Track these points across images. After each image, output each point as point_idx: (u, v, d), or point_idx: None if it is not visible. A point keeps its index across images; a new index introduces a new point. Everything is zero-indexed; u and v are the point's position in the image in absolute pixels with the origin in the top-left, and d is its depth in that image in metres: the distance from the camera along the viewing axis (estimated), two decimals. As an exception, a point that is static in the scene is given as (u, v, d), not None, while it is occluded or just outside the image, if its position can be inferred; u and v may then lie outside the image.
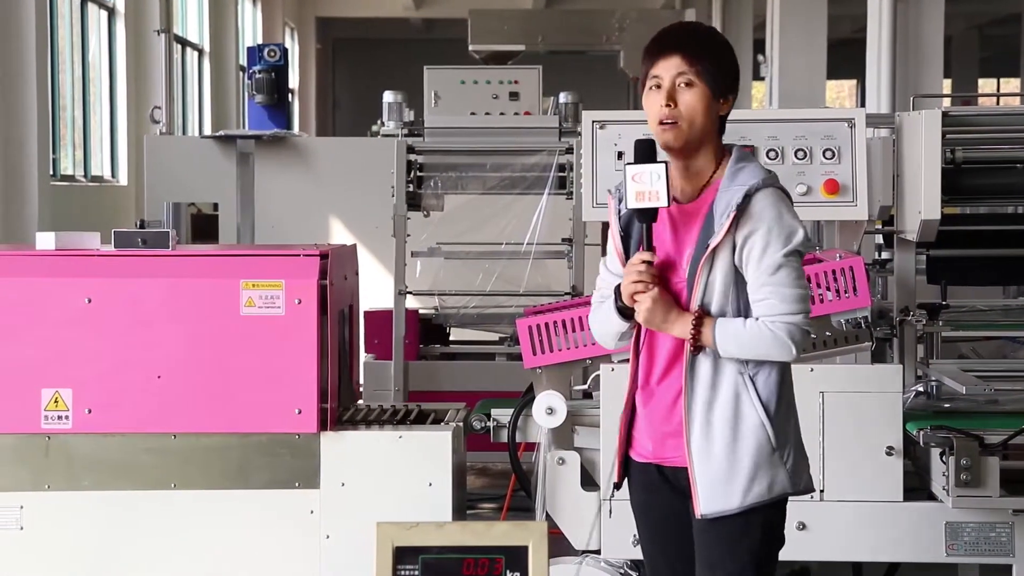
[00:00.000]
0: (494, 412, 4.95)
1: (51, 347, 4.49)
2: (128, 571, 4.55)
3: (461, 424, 4.79)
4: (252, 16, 25.12)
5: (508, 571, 2.79)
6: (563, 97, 9.38)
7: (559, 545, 4.57)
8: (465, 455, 4.88)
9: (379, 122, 9.52)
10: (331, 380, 4.62)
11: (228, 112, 21.83)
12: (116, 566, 4.54)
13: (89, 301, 4.50)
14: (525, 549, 2.61)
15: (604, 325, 3.62)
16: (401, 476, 4.56)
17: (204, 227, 10.07)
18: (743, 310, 3.45)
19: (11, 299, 4.49)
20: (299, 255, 4.64)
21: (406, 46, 29.08)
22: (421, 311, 8.19)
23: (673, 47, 3.48)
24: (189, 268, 4.62)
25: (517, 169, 7.97)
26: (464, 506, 4.84)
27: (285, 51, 11.12)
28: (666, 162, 3.46)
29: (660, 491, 3.58)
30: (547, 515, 4.62)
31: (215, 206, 10.38)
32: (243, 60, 21.13)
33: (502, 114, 9.60)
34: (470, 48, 13.60)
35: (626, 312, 3.52)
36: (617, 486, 3.68)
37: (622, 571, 4.61)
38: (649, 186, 3.42)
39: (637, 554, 4.43)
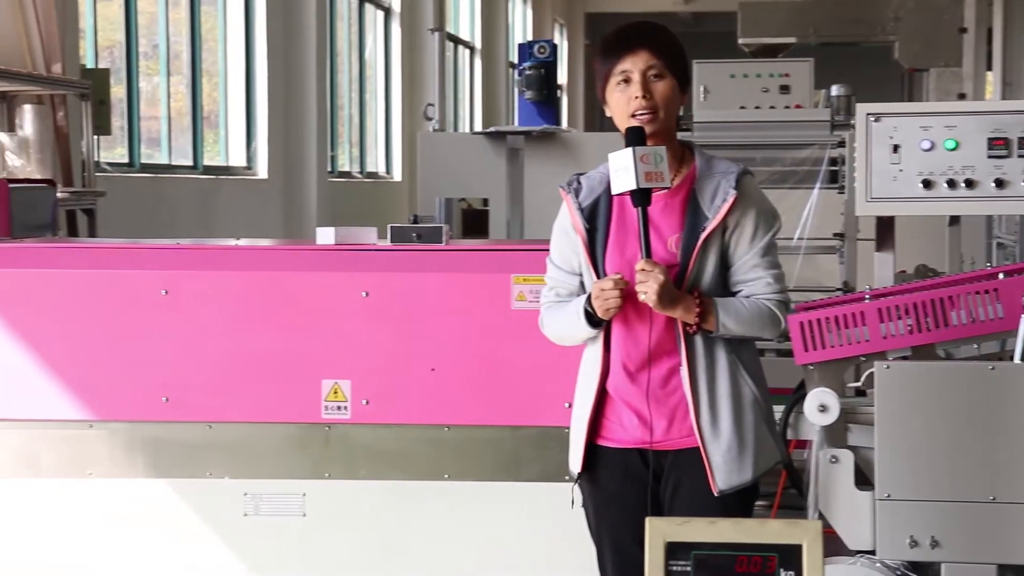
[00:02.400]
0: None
1: (330, 339, 4.62)
2: (403, 559, 4.65)
3: (731, 420, 4.74)
4: (522, 13, 25.39)
5: (782, 570, 2.75)
6: (835, 90, 9.22)
7: (832, 545, 4.48)
8: (735, 452, 4.83)
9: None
10: (601, 374, 4.63)
11: (498, 108, 22.13)
12: (392, 554, 4.65)
13: (366, 295, 4.61)
14: (799, 548, 2.57)
15: (567, 330, 3.72)
16: (671, 471, 4.54)
17: (474, 222, 10.23)
18: (727, 290, 3.60)
19: (293, 292, 4.63)
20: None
21: (674, 40, 28.91)
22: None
23: (640, 42, 3.66)
24: (461, 262, 4.70)
25: (787, 163, 7.87)
26: (734, 503, 4.79)
27: (554, 47, 11.20)
28: (634, 148, 3.53)
29: (642, 477, 3.64)
30: (819, 514, 4.55)
31: (485, 201, 10.53)
32: (513, 57, 21.39)
33: (772, 107, 9.49)
34: (739, 41, 13.48)
35: (595, 320, 3.60)
36: (581, 473, 3.75)
37: (898, 572, 4.51)
38: (655, 167, 3.52)
39: (914, 555, 4.32)
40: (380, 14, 17.12)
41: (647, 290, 3.50)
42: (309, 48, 13.37)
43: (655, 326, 3.60)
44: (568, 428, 4.55)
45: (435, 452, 4.62)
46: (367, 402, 4.61)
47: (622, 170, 3.53)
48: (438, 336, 4.60)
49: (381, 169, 17.18)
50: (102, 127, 9.30)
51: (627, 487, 3.69)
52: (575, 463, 3.79)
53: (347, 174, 15.46)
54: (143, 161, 11.15)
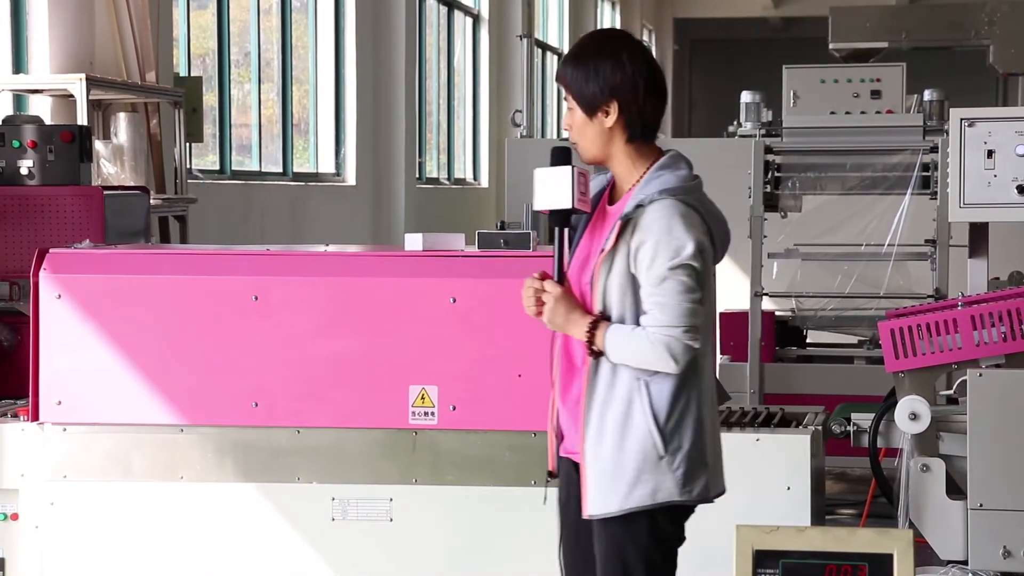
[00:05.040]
0: (854, 416, 4.86)
1: (418, 345, 4.63)
2: (488, 565, 4.66)
3: (820, 428, 4.71)
4: (611, 19, 25.38)
5: (871, 579, 2.73)
6: (928, 94, 9.11)
7: (923, 554, 4.44)
8: (824, 459, 4.80)
9: (736, 123, 9.46)
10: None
11: (586, 115, 22.03)
12: (478, 559, 4.65)
13: (454, 301, 4.62)
14: (890, 557, 2.54)
15: None
16: (759, 479, 4.52)
17: (562, 228, 10.21)
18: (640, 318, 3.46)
19: (382, 298, 4.66)
20: (657, 256, 4.64)
21: (764, 46, 28.80)
22: (777, 313, 8.11)
23: (560, 71, 3.57)
24: (550, 268, 4.69)
25: (878, 169, 7.80)
26: (823, 511, 4.76)
27: (643, 53, 11.16)
28: (574, 167, 3.47)
29: (576, 487, 3.59)
30: (910, 523, 4.50)
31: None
32: (601, 63, 21.33)
33: (863, 113, 9.40)
34: (830, 46, 13.35)
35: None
36: (551, 475, 3.74)
37: (990, 584, 4.45)
38: (555, 188, 3.47)
39: (1007, 566, 4.27)
40: (469, 20, 17.18)
41: (542, 309, 3.53)
42: (398, 55, 13.45)
43: (577, 340, 3.57)
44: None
45: (522, 458, 4.62)
46: (454, 408, 4.62)
47: (556, 187, 3.50)
48: (525, 342, 4.60)
49: (468, 175, 17.23)
50: (194, 134, 9.41)
51: (571, 495, 3.68)
52: (550, 463, 3.78)
53: (435, 180, 15.53)
54: (234, 168, 11.27)
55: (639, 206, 3.44)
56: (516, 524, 4.63)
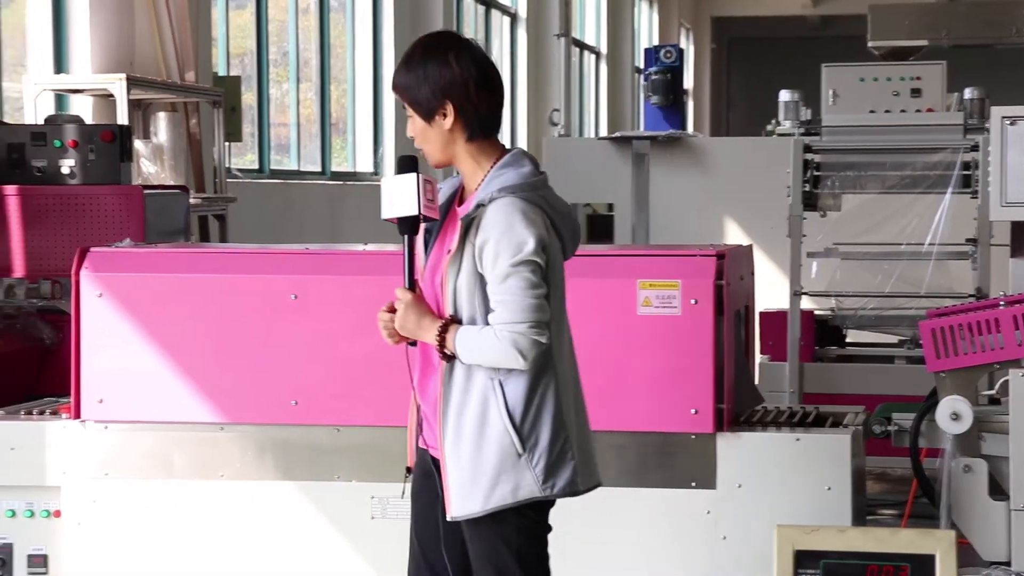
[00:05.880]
0: (895, 416, 4.84)
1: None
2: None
3: (860, 427, 4.69)
4: (648, 18, 25.33)
5: (913, 580, 2.71)
6: (968, 92, 9.06)
7: (965, 555, 4.41)
8: (864, 459, 4.78)
9: (774, 121, 9.43)
10: (727, 381, 4.60)
11: (623, 113, 22.09)
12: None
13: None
14: (932, 558, 2.52)
15: None
16: (799, 479, 4.50)
17: (600, 227, 10.23)
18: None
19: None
20: (696, 255, 4.64)
21: (802, 44, 28.69)
22: (817, 312, 8.07)
23: (394, 82, 3.59)
24: (587, 268, 4.69)
25: (918, 167, 7.75)
26: (864, 511, 4.74)
27: (681, 52, 11.15)
28: (419, 173, 3.51)
29: (433, 478, 3.62)
30: (952, 524, 4.47)
31: (610, 206, 10.51)
32: (639, 62, 21.35)
33: (903, 111, 9.36)
34: (869, 44, 13.31)
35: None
36: (409, 470, 3.75)
37: (1033, 585, 4.42)
38: (401, 195, 3.51)
39: (1048, 569, 4.23)
40: (506, 20, 17.19)
41: (394, 318, 3.55)
42: (436, 54, 13.44)
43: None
44: (693, 434, 4.54)
45: (560, 457, 4.61)
46: (493, 407, 4.62)
47: (401, 195, 3.52)
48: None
49: (507, 174, 17.22)
50: (233, 134, 9.45)
51: (425, 484, 3.69)
52: (409, 458, 3.79)
53: (473, 179, 15.54)
54: (272, 167, 11.31)
55: (480, 205, 3.48)
56: (553, 523, 4.62)
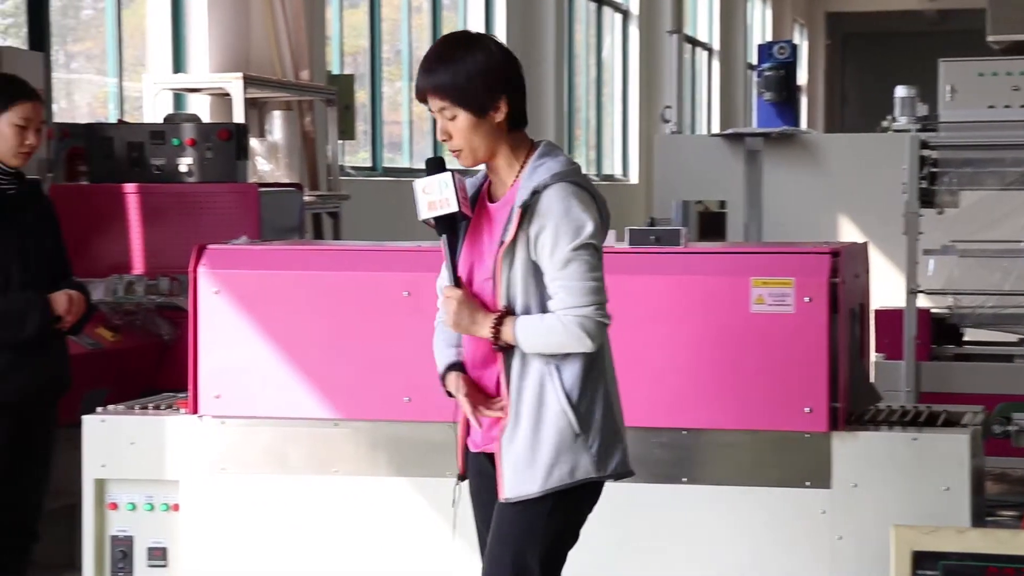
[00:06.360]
0: (1015, 416, 4.76)
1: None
2: (637, 562, 4.64)
3: (979, 427, 4.61)
4: (761, 13, 25.14)
5: (1035, 583, 2.66)
6: (1091, 87, 8.88)
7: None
8: (983, 459, 4.70)
9: (889, 117, 9.31)
10: (842, 379, 4.55)
11: (736, 110, 21.95)
12: (627, 556, 4.64)
13: (605, 297, 4.61)
14: (1054, 561, 2.49)
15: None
16: (916, 479, 4.44)
17: (711, 224, 10.17)
18: (547, 305, 3.49)
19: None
20: (810, 253, 4.60)
21: (918, 39, 28.31)
22: (933, 310, 7.95)
23: (421, 89, 3.54)
24: (700, 265, 4.67)
25: (1039, 164, 7.61)
26: (983, 512, 4.66)
27: (795, 48, 11.07)
28: (453, 170, 3.51)
29: (491, 478, 3.61)
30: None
31: (722, 204, 10.45)
32: (752, 58, 21.18)
33: (1023, 106, 9.19)
34: (988, 39, 13.08)
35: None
36: (461, 477, 3.76)
37: None
38: (439, 195, 3.52)
39: None
40: (618, 17, 17.14)
41: (447, 315, 3.57)
42: (547, 51, 13.47)
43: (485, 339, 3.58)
44: (807, 433, 4.50)
45: (672, 455, 4.61)
46: (605, 404, 4.61)
47: (439, 195, 3.54)
48: (675, 339, 4.58)
49: (618, 172, 17.19)
50: (347, 132, 9.53)
51: (483, 485, 3.69)
52: (459, 465, 3.79)
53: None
54: (385, 165, 11.38)
55: (535, 192, 3.46)
56: (665, 521, 4.61)
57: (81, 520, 4.94)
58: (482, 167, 3.67)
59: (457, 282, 3.58)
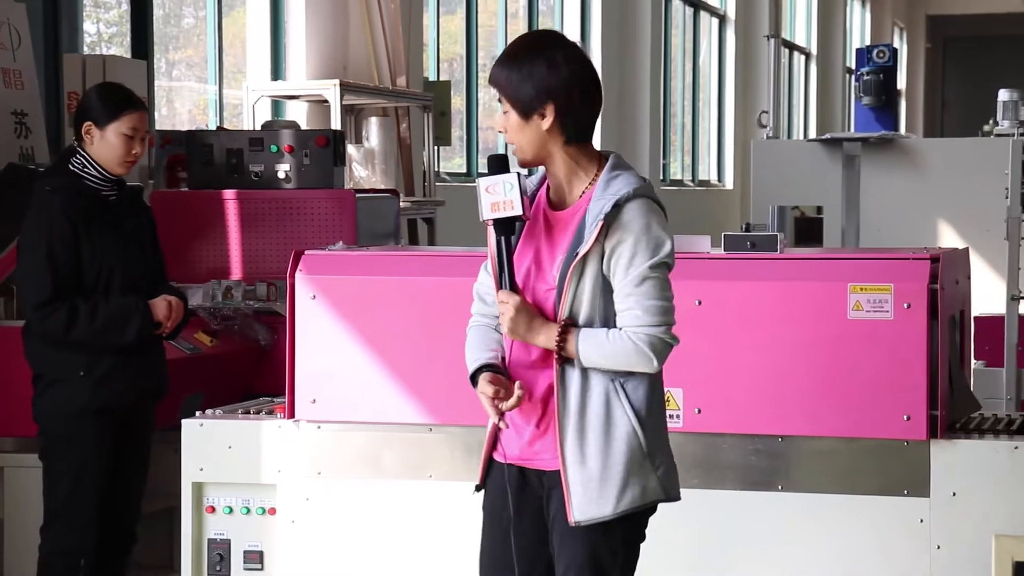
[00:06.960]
0: (1118, 426, 4.67)
1: (664, 347, 4.61)
2: (731, 570, 4.62)
3: (1082, 437, 4.54)
4: (860, 17, 24.91)
5: None
6: None
7: None
8: (1086, 470, 4.62)
9: (991, 121, 9.19)
10: (941, 387, 4.50)
11: (833, 115, 21.77)
12: (721, 564, 4.61)
13: (699, 303, 4.59)
14: None
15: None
16: (1016, 488, 4.37)
17: (807, 230, 10.09)
18: (610, 320, 3.42)
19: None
20: (909, 258, 4.54)
21: (1021, 42, 27.90)
22: (1035, 317, 7.84)
23: (489, 78, 3.50)
24: (797, 271, 4.63)
25: None
26: (1085, 524, 4.58)
27: (894, 51, 10.95)
28: (519, 172, 3.45)
29: (521, 493, 3.55)
30: None
31: (818, 209, 10.37)
32: (850, 62, 20.99)
33: None
34: (1092, 40, 12.90)
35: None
36: (478, 488, 3.68)
37: None
38: (503, 196, 3.45)
39: None
40: (715, 21, 17.08)
41: (502, 321, 3.46)
42: (643, 56, 13.45)
43: (534, 349, 3.48)
44: (905, 441, 4.44)
45: (768, 463, 4.57)
46: (699, 411, 4.60)
47: (503, 195, 3.47)
48: (772, 345, 4.55)
49: (713, 177, 17.11)
50: (442, 138, 9.58)
51: (505, 502, 3.60)
52: (480, 475, 3.71)
53: (679, 182, 15.47)
54: (480, 171, 11.42)
55: (617, 205, 3.39)
56: (760, 529, 4.58)
57: (179, 523, 4.99)
58: (541, 169, 3.61)
59: (514, 287, 3.51)
